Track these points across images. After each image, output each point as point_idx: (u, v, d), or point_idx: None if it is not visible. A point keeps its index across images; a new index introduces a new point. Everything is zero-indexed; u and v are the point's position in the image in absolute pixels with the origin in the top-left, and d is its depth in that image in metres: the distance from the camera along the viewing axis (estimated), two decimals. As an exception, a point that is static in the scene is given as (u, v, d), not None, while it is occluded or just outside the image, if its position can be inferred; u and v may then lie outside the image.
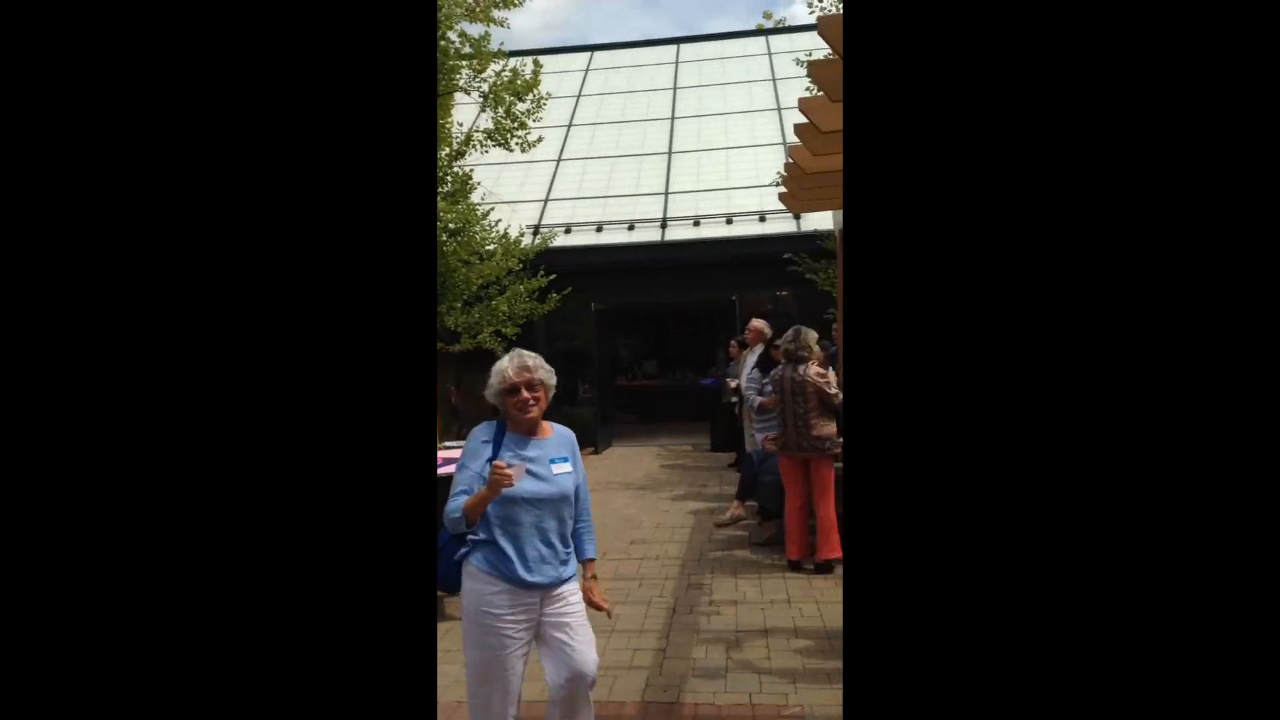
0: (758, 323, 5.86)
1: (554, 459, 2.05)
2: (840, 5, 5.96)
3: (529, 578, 1.95)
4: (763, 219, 8.91)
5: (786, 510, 4.30)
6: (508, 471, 1.84)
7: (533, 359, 2.04)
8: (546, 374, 2.04)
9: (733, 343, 7.00)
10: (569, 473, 2.06)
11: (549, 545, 2.00)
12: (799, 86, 9.32)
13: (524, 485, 1.93)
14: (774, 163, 9.52)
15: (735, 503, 5.16)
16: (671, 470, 7.38)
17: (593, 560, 2.14)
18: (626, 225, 9.25)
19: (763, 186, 8.94)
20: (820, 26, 2.54)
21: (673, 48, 13.62)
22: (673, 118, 11.45)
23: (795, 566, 4.21)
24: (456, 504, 1.93)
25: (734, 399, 6.36)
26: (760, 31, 14.31)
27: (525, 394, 2.00)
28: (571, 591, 2.06)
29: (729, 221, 9.06)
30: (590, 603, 2.06)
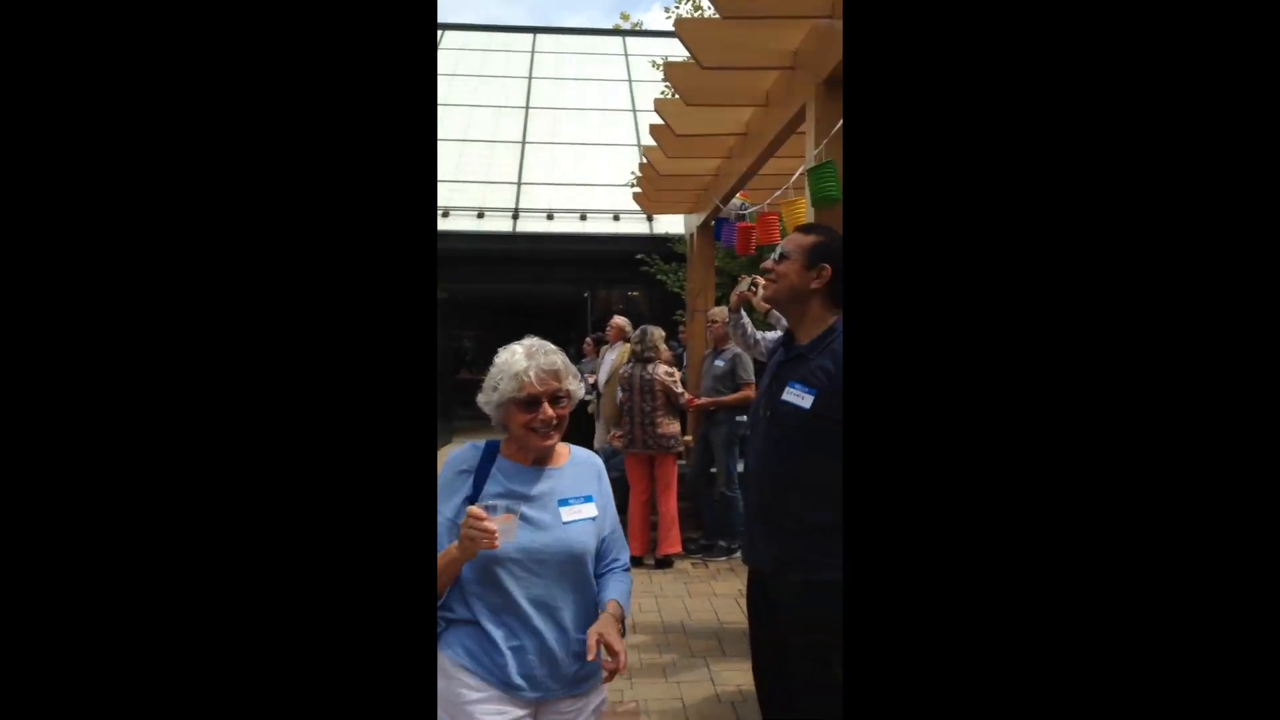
0: (619, 320, 5.90)
1: (567, 499, 1.39)
2: (701, 13, 6.14)
3: (523, 682, 1.31)
4: (617, 218, 9.01)
5: (630, 506, 4.38)
6: (489, 526, 1.21)
7: (560, 358, 1.40)
8: (576, 383, 1.41)
9: (588, 340, 7.01)
10: (589, 519, 1.40)
11: (558, 629, 1.34)
12: (655, 90, 9.53)
13: (516, 539, 1.29)
14: (628, 162, 9.64)
15: (582, 500, 5.17)
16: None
17: (617, 603, 1.39)
18: (476, 213, 8.96)
19: (617, 186, 9.03)
20: (678, 29, 2.58)
21: (529, 36, 13.38)
22: (527, 107, 11.26)
23: (636, 562, 4.29)
24: None
25: (589, 397, 6.37)
26: (617, 32, 14.45)
27: (548, 410, 1.35)
28: (585, 709, 1.39)
29: (583, 218, 9.07)
30: (606, 644, 1.28)
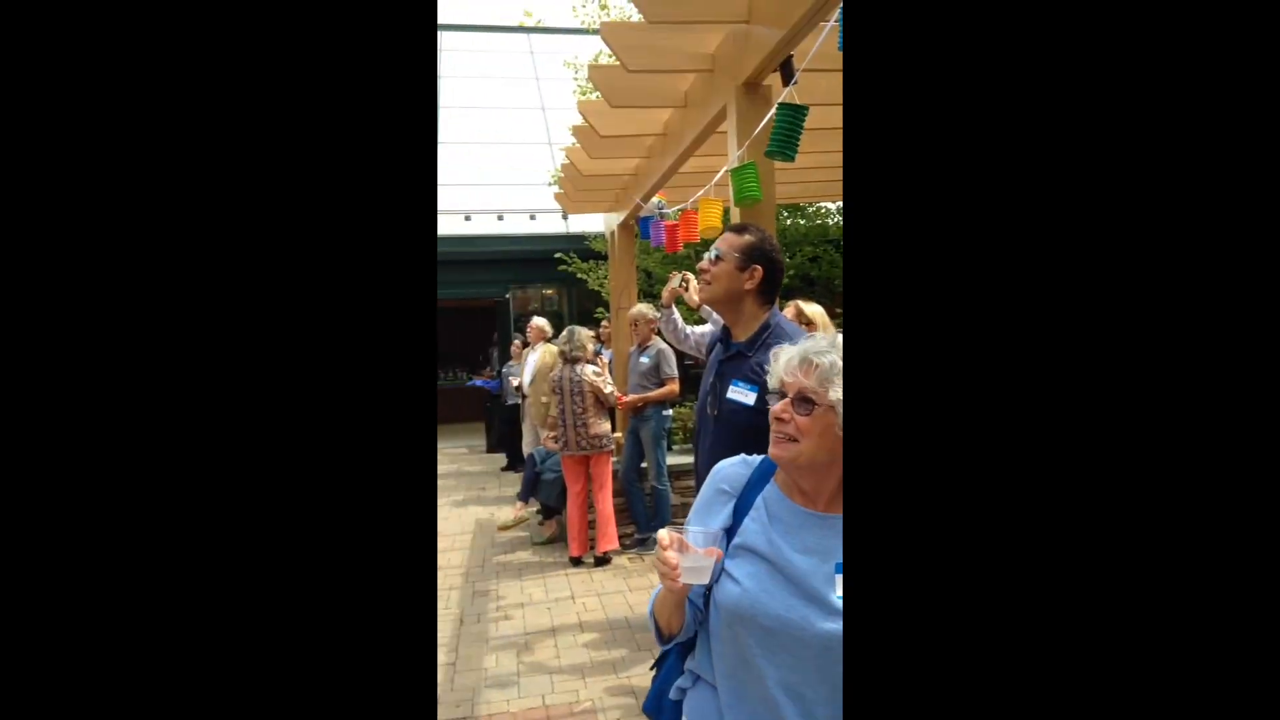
0: (539, 321, 5.87)
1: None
2: (606, 14, 6.18)
3: None
4: (533, 217, 8.94)
5: (569, 505, 4.39)
6: (669, 558, 0.98)
7: (828, 345, 1.07)
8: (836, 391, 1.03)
9: (515, 341, 6.94)
10: None
11: None
12: (564, 88, 9.50)
13: (771, 604, 1.02)
14: (542, 161, 9.59)
15: (518, 504, 5.14)
16: (448, 476, 7.12)
17: None
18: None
19: (533, 185, 8.97)
20: (604, 33, 2.61)
21: (438, 35, 13.05)
22: (438, 106, 10.99)
23: (576, 563, 4.32)
24: (655, 593, 1.13)
25: (519, 399, 6.31)
26: (523, 29, 14.30)
27: (792, 418, 1.04)
28: None
29: (500, 218, 8.95)
30: None
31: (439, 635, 3.30)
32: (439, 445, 8.67)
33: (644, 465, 4.58)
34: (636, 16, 2.54)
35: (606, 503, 4.37)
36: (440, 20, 14.90)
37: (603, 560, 4.33)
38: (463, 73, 11.97)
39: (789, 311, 2.55)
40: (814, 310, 2.61)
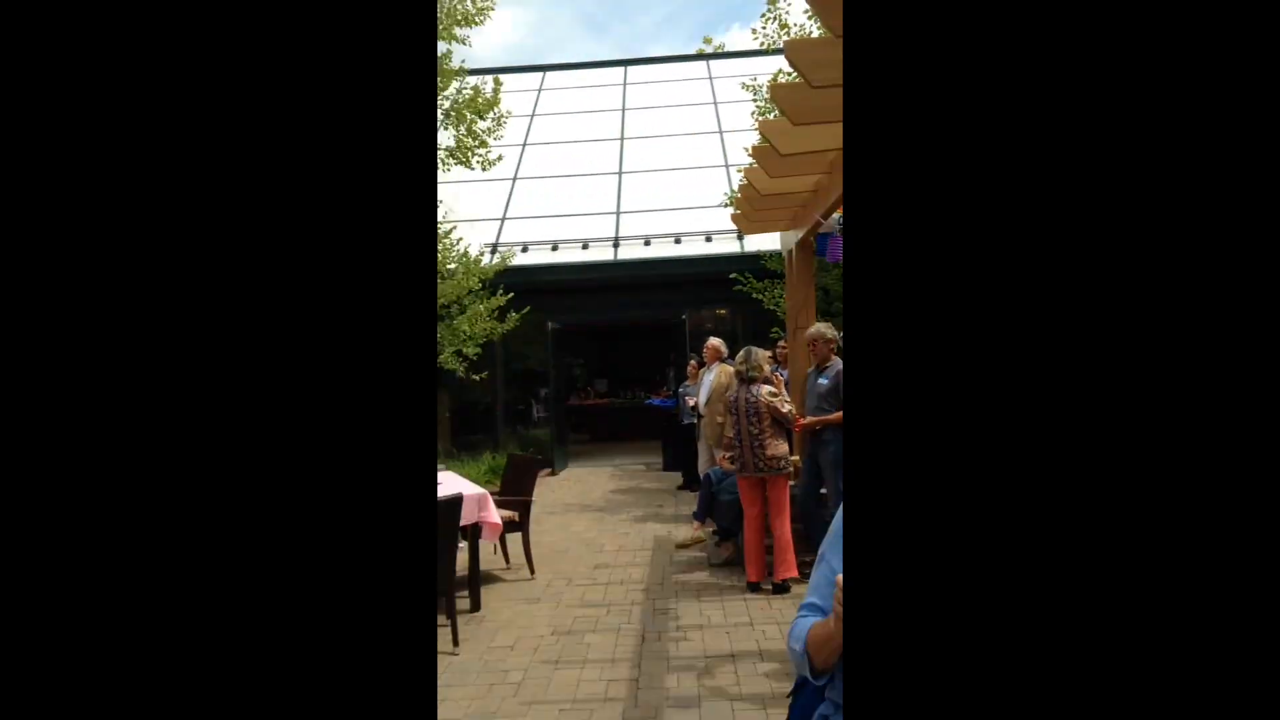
0: (715, 341, 5.91)
1: None
2: (786, 32, 6.14)
3: None
4: (709, 239, 9.04)
5: (745, 529, 4.33)
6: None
7: None
8: None
9: (692, 363, 7.05)
10: None
11: None
12: (741, 110, 9.53)
13: None
14: (718, 184, 9.67)
15: (695, 523, 5.17)
16: (627, 492, 7.36)
17: None
18: (580, 244, 9.25)
19: (709, 207, 9.09)
20: (788, 51, 2.61)
21: (620, 70, 13.76)
22: (622, 138, 11.55)
23: (754, 588, 4.24)
24: (800, 625, 1.12)
25: (694, 418, 6.39)
26: (701, 56, 14.61)
27: None
28: None
29: (678, 241, 9.16)
30: None
31: (623, 650, 3.40)
32: (616, 462, 9.00)
33: (823, 491, 4.41)
34: (816, 33, 2.50)
35: (784, 528, 4.25)
36: (623, 56, 15.51)
37: (781, 588, 4.21)
38: (644, 104, 12.48)
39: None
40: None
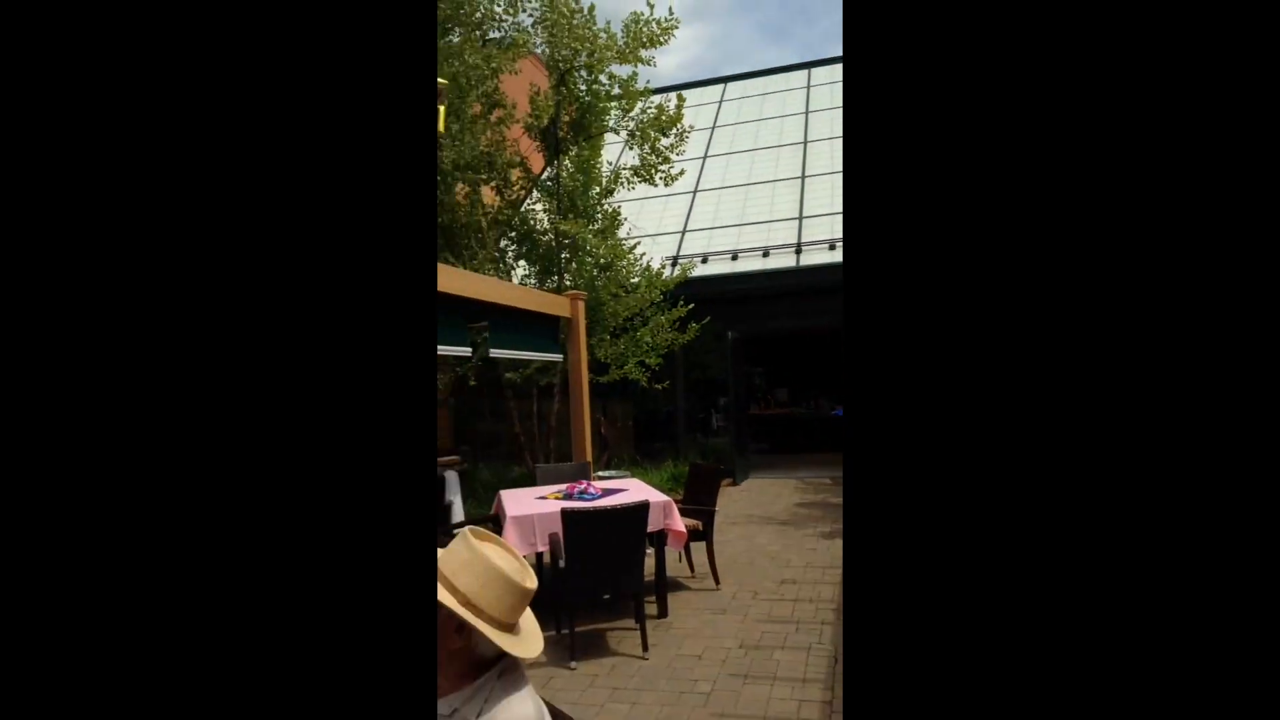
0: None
1: None
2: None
3: None
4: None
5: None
6: None
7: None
8: None
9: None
10: None
11: None
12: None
13: None
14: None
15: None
16: (812, 505, 7.11)
17: None
18: (761, 252, 9.16)
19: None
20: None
21: (804, 73, 13.47)
22: (805, 141, 11.28)
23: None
24: None
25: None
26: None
27: None
28: None
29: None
30: None
31: (814, 669, 3.27)
32: (799, 474, 8.73)
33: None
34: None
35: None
36: (806, 59, 15.23)
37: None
38: (829, 105, 12.09)
39: None
40: None
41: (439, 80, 3.28)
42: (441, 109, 3.32)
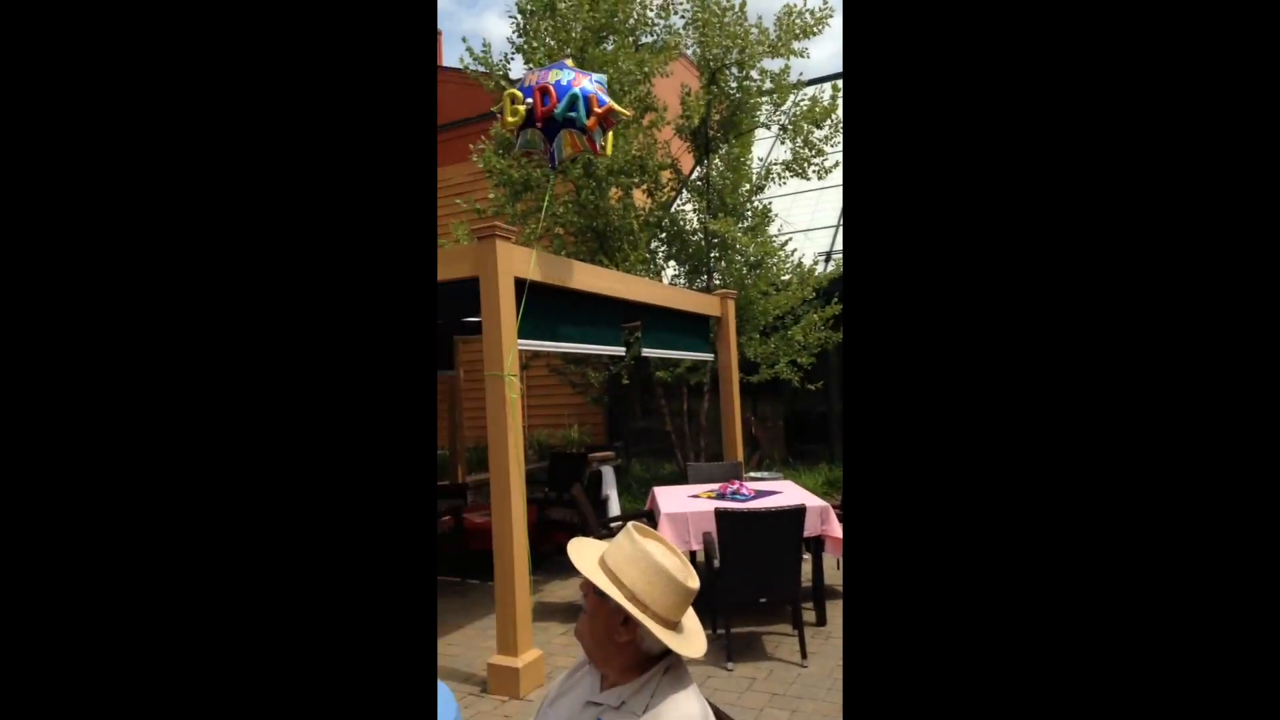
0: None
1: None
2: None
3: None
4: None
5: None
6: None
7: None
8: None
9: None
10: None
11: None
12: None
13: None
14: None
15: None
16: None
17: None
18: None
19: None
20: None
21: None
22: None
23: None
24: None
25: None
26: None
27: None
28: None
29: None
30: None
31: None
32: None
33: None
34: None
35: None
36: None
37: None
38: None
39: None
40: None
41: (620, 110, 3.41)
42: (609, 135, 3.45)
